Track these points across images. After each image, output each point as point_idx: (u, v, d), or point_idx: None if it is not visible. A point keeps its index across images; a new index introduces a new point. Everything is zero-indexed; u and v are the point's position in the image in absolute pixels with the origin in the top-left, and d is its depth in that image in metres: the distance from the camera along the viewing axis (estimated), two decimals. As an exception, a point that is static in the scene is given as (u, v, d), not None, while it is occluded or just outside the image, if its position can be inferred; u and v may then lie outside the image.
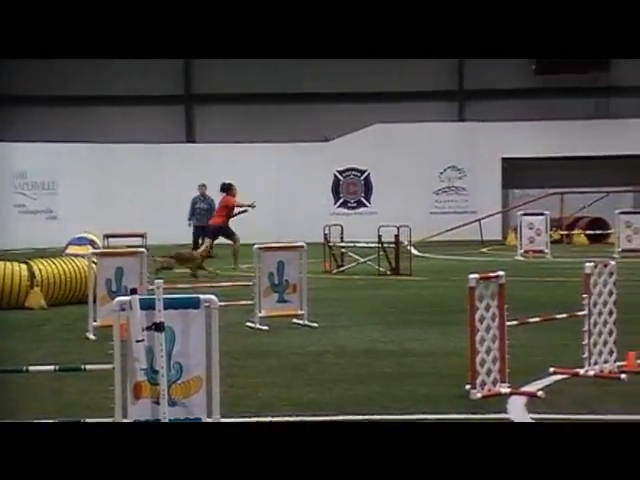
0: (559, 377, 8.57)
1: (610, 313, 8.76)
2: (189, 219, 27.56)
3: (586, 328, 8.59)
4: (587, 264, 8.68)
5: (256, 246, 12.89)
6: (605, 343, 8.69)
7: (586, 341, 8.58)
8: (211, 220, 23.26)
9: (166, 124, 38.24)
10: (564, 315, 9.00)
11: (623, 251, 24.97)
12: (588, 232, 32.24)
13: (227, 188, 22.97)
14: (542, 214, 26.49)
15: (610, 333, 8.74)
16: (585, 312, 8.62)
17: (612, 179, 36.05)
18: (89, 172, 35.66)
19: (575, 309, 8.78)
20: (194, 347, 6.17)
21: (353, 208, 36.80)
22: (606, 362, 8.67)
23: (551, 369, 8.73)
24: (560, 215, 32.77)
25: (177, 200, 30.86)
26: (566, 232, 32.19)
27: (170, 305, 6.11)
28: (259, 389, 8.46)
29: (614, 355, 8.71)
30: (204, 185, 27.81)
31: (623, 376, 8.46)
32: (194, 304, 6.19)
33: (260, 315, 12.53)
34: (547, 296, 15.55)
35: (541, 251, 25.63)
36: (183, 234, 27.86)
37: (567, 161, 36.13)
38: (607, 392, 7.98)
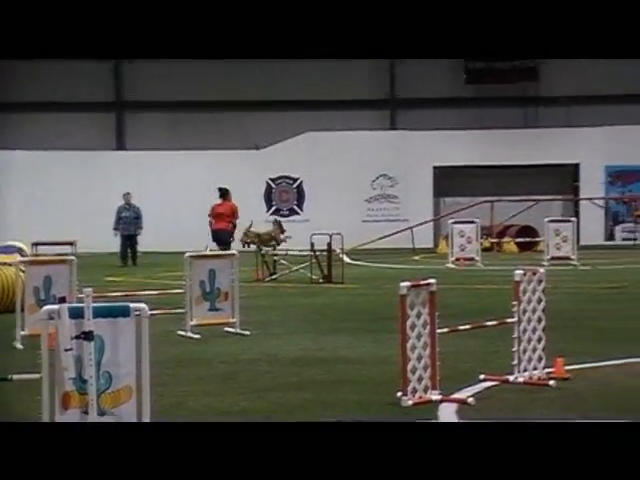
0: (489, 384, 8.63)
1: (539, 320, 8.84)
2: (114, 228, 27.27)
3: (516, 335, 8.67)
4: (516, 272, 8.76)
5: (187, 254, 12.82)
6: (534, 350, 8.78)
7: (516, 348, 8.65)
8: (218, 224, 22.79)
9: (97, 131, 37.92)
10: (494, 322, 9.07)
11: (552, 259, 25.28)
12: (518, 240, 32.63)
13: (227, 193, 23.10)
14: (473, 222, 26.72)
15: (539, 340, 8.82)
16: (515, 319, 8.69)
17: (541, 187, 36.57)
18: (18, 179, 35.20)
19: (505, 316, 8.85)
20: (124, 356, 6.10)
21: (285, 216, 36.79)
22: (535, 369, 8.75)
23: (481, 376, 8.79)
24: (490, 223, 33.12)
25: (107, 208, 30.59)
26: (496, 240, 32.53)
27: (99, 314, 6.04)
28: (190, 398, 8.39)
29: (543, 362, 8.80)
30: (129, 193, 27.62)
31: (552, 382, 8.55)
32: (124, 312, 6.12)
33: (191, 323, 12.45)
34: (478, 303, 15.68)
35: (472, 259, 25.84)
36: (114, 242, 27.62)
37: (497, 170, 36.55)
38: (536, 398, 8.06)
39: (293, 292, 18.75)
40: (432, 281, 8.06)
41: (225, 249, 21.66)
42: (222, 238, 22.35)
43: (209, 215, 23.29)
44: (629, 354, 10.09)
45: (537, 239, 31.31)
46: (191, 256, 12.79)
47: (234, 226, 22.56)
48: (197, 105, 37.65)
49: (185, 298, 12.57)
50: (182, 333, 12.37)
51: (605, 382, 8.69)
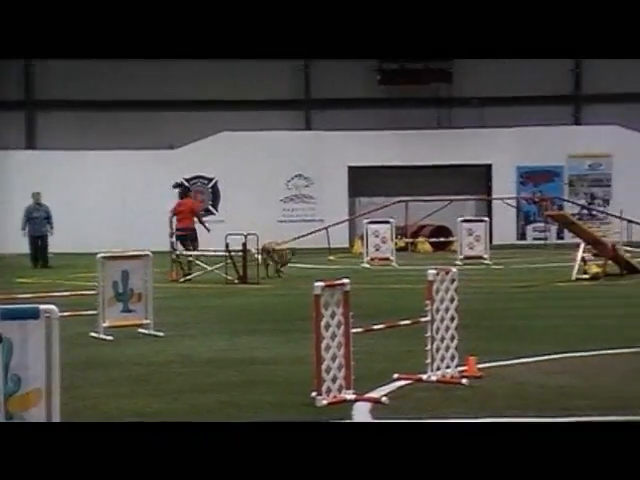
0: (403, 383, 8.68)
1: (452, 319, 8.92)
2: (22, 229, 26.77)
3: (429, 334, 8.73)
4: (430, 271, 8.83)
5: (99, 255, 12.66)
6: (447, 349, 8.85)
7: (429, 347, 8.72)
8: (183, 223, 22.33)
9: (6, 130, 37.25)
10: (408, 322, 9.13)
11: (465, 258, 25.57)
12: (432, 240, 32.92)
13: (188, 191, 22.85)
14: (387, 222, 26.90)
15: (452, 339, 8.90)
16: (428, 318, 8.76)
17: (455, 188, 36.94)
18: None
19: (419, 315, 8.92)
20: (33, 358, 5.98)
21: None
22: (448, 367, 8.83)
23: (395, 375, 8.84)
24: (405, 223, 33.35)
25: (17, 207, 30.04)
26: (411, 240, 32.78)
27: (8, 316, 5.92)
28: (102, 401, 8.28)
29: (456, 360, 8.88)
30: (39, 193, 27.15)
31: (464, 381, 8.63)
32: (33, 314, 6.00)
33: (104, 325, 12.30)
34: (392, 303, 15.77)
35: (387, 259, 26.00)
36: (25, 243, 27.14)
37: (411, 170, 36.82)
38: (449, 397, 8.12)
39: (208, 293, 18.65)
40: (346, 281, 8.08)
41: (195, 247, 21.52)
42: (190, 236, 22.09)
43: (171, 214, 22.85)
44: (540, 352, 10.25)
45: (451, 239, 31.64)
46: (104, 257, 12.64)
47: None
48: (111, 104, 37.23)
49: (98, 299, 12.41)
50: (94, 335, 12.22)
51: (516, 380, 8.80)
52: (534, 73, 37.01)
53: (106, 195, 35.59)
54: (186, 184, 22.91)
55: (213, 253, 21.31)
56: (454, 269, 9.08)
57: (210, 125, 36.36)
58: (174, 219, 22.40)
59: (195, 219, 22.45)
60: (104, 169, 35.80)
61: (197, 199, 36.83)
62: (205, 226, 22.08)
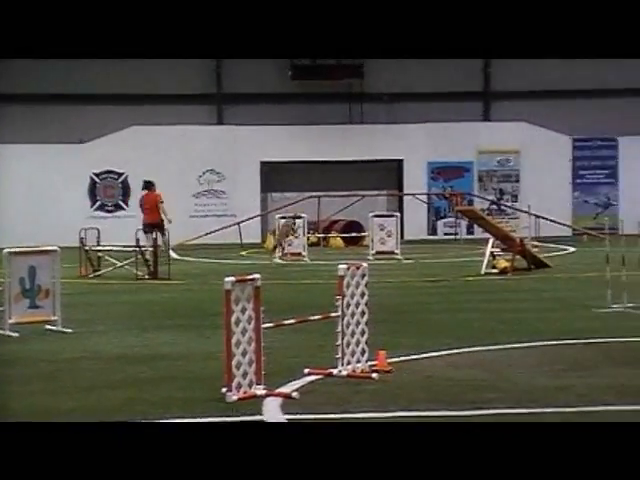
0: (314, 378, 8.68)
1: (362, 314, 8.95)
2: None
3: (339, 329, 8.75)
4: (340, 266, 8.84)
5: (6, 250, 12.42)
6: (358, 343, 8.88)
7: (339, 342, 8.74)
8: (150, 217, 21.98)
9: None
10: (318, 317, 9.13)
11: (377, 253, 25.71)
12: (344, 235, 33.04)
13: (152, 185, 22.58)
14: (300, 217, 26.90)
15: (362, 333, 8.93)
16: (339, 313, 8.78)
17: (366, 183, 37.12)
18: None
19: (330, 310, 8.93)
20: None
21: (111, 211, 36.22)
22: (358, 362, 8.86)
23: (306, 370, 8.84)
24: (317, 218, 33.41)
25: None
26: (323, 235, 32.86)
27: None
28: (10, 398, 8.13)
29: (366, 355, 8.92)
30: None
31: (374, 375, 8.67)
32: None
33: (10, 321, 12.08)
34: (304, 298, 15.79)
35: (299, 254, 26.01)
36: None
37: (324, 165, 36.91)
38: (359, 391, 8.15)
39: (118, 289, 18.45)
40: (257, 276, 8.05)
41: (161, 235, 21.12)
42: (158, 227, 21.72)
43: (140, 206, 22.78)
44: (450, 346, 10.35)
45: (362, 234, 31.80)
46: (10, 252, 12.40)
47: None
48: (20, 98, 36.56)
49: (3, 296, 12.18)
50: (0, 332, 11.99)
51: (426, 374, 8.87)
52: (444, 70, 37.38)
53: (15, 189, 34.97)
54: (150, 180, 22.78)
55: (123, 248, 21.08)
56: (364, 264, 9.11)
57: (120, 119, 35.95)
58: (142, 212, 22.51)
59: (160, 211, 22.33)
60: (13, 163, 35.17)
61: (107, 194, 36.48)
62: (167, 218, 21.94)
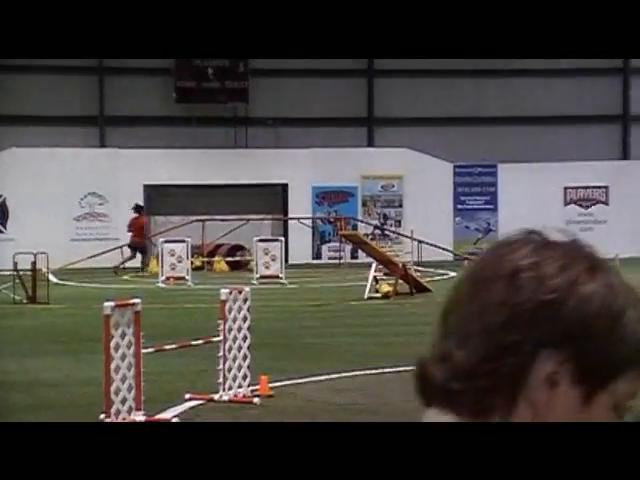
0: (195, 403, 8.61)
1: (245, 338, 8.93)
2: None
3: (221, 353, 8.71)
4: (222, 290, 8.82)
5: None
6: (240, 368, 8.85)
7: (221, 366, 8.69)
8: (136, 239, 22.35)
9: None
10: (200, 341, 9.07)
11: (261, 277, 25.70)
12: (228, 259, 32.93)
13: (141, 209, 22.72)
14: (183, 241, 26.73)
15: (244, 358, 8.90)
16: (220, 338, 8.73)
17: (252, 207, 37.09)
18: None
19: (212, 335, 8.88)
20: None
21: (-11, 234, 35.40)
22: (240, 387, 8.83)
23: (187, 395, 8.76)
24: (202, 242, 33.23)
25: None
26: (207, 259, 32.69)
27: None
28: None
29: (248, 379, 8.89)
30: None
31: (256, 400, 8.65)
32: None
33: None
34: (187, 323, 15.64)
35: (182, 278, 25.81)
36: None
37: (209, 189, 36.77)
38: (240, 416, 8.11)
39: (-4, 313, 18.02)
40: (137, 301, 7.96)
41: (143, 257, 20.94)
42: (141, 249, 21.83)
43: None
44: (332, 370, 10.38)
45: (247, 258, 31.74)
46: None
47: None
48: None
49: None
50: None
51: (307, 398, 8.89)
52: (330, 95, 37.72)
53: None
54: (140, 204, 23.44)
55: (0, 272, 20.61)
56: (247, 288, 9.11)
57: None
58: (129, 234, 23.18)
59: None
60: None
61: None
62: (150, 240, 22.33)
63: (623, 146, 40.18)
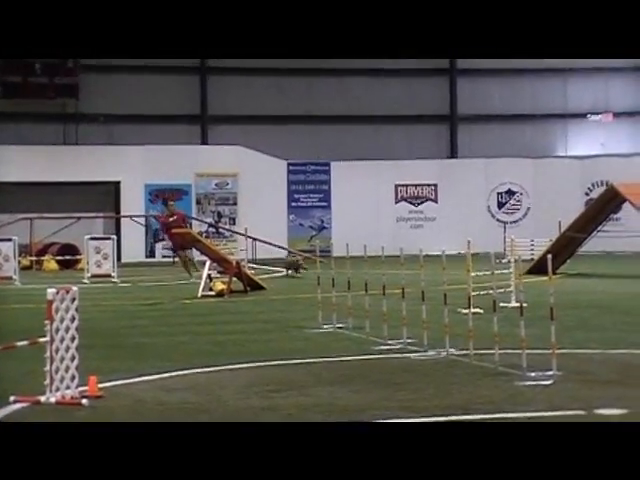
0: (20, 406, 8.39)
1: (72, 339, 8.75)
2: None
3: (48, 354, 8.51)
4: (49, 290, 8.62)
5: None
6: (67, 369, 8.67)
7: (48, 367, 8.50)
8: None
9: None
10: (26, 342, 8.85)
11: (93, 276, 25.28)
12: (58, 258, 32.24)
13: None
14: (10, 240, 26.04)
15: (72, 358, 8.72)
16: (47, 338, 8.53)
17: (83, 205, 36.44)
18: None
19: (40, 336, 8.67)
20: None
21: None
22: (68, 388, 8.64)
23: (12, 397, 8.53)
24: (30, 241, 32.43)
25: None
26: (36, 258, 31.94)
27: None
28: None
29: (76, 380, 8.71)
30: None
31: (84, 401, 8.49)
32: None
33: None
34: (14, 324, 15.21)
35: (9, 277, 25.16)
36: None
37: (37, 187, 35.92)
38: (67, 418, 7.94)
39: None
40: (-42, 302, 7.71)
41: None
42: None
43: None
44: (163, 369, 10.29)
45: (78, 257, 31.16)
46: None
47: None
48: None
49: None
50: None
51: (137, 398, 8.78)
52: (163, 92, 37.43)
53: None
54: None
55: None
56: (75, 288, 8.91)
57: None
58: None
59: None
60: None
61: None
62: None
63: (451, 145, 41.30)
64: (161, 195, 36.69)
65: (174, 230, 24.28)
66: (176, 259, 34.63)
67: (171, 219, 20.58)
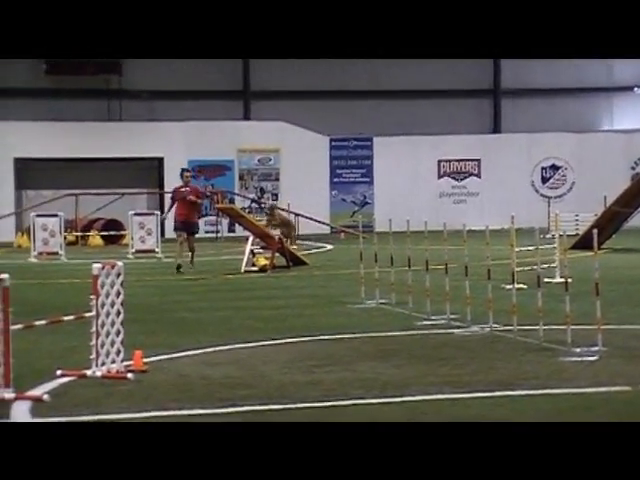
0: (66, 379, 8.48)
1: (118, 313, 8.81)
2: None
3: (94, 329, 8.58)
4: (95, 265, 8.67)
5: None
6: (112, 343, 8.74)
7: (94, 342, 8.57)
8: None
9: None
10: (72, 317, 8.93)
11: (137, 252, 25.46)
12: (103, 233, 32.49)
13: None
14: (56, 215, 26.27)
15: (117, 333, 8.79)
16: (93, 313, 8.60)
17: (126, 181, 36.67)
18: None
19: (85, 310, 8.75)
20: None
21: None
22: (113, 362, 8.72)
23: (58, 372, 8.62)
24: (75, 216, 32.71)
25: None
26: (81, 234, 32.20)
27: None
28: None
29: (121, 355, 8.78)
30: None
31: (130, 375, 8.56)
32: None
33: None
34: (60, 298, 15.36)
35: (55, 253, 25.40)
36: None
37: (81, 163, 36.18)
38: (113, 392, 8.02)
39: None
40: (4, 276, 7.77)
41: None
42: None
43: None
44: (207, 344, 10.35)
45: (123, 232, 31.38)
46: None
47: None
48: None
49: None
50: None
51: (181, 373, 8.83)
52: (205, 68, 37.46)
53: None
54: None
55: None
56: (120, 263, 8.97)
57: None
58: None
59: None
60: None
61: None
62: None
63: (494, 120, 41.02)
64: (198, 170, 36.76)
65: (219, 206, 24.32)
66: (219, 234, 34.83)
67: (183, 189, 20.38)
